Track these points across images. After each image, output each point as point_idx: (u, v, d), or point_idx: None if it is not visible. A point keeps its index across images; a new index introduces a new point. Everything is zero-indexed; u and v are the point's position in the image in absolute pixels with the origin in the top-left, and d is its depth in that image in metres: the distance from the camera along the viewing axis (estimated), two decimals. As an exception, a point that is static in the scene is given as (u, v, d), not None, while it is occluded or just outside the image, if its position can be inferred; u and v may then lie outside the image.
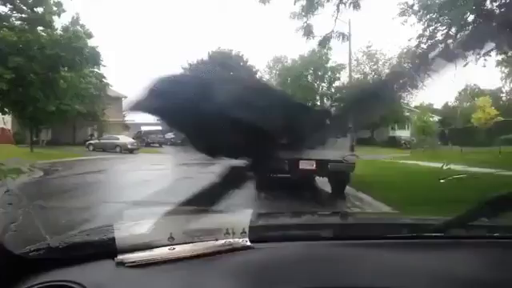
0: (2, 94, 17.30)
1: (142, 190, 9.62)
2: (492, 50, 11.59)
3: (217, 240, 0.99)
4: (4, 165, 11.78)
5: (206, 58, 39.31)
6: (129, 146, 29.17)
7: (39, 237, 1.10)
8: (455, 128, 29.45)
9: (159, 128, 42.47)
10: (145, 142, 35.68)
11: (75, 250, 0.97)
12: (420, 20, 11.55)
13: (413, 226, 1.24)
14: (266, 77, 49.57)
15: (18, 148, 24.32)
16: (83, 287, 0.83)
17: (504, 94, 52.23)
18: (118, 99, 40.63)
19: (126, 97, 42.90)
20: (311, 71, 41.17)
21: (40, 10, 17.59)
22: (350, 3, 9.17)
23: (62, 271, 0.89)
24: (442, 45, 11.76)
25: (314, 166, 8.27)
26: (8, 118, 27.22)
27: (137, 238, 0.97)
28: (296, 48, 76.46)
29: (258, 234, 1.04)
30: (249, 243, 1.00)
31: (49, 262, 0.92)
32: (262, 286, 0.88)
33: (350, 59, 27.58)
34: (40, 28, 18.10)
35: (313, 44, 10.23)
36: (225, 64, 37.88)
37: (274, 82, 47.78)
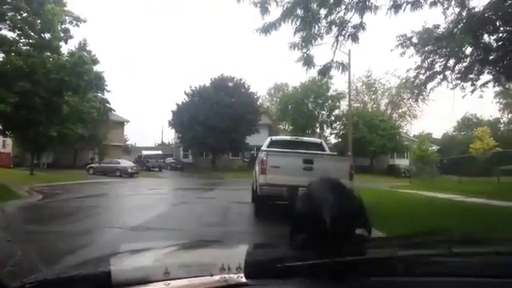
0: (5, 116, 17.40)
1: (140, 214, 9.57)
2: (489, 81, 11.81)
3: (212, 275, 0.98)
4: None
5: (208, 84, 39.75)
6: (129, 170, 29.15)
7: (35, 269, 1.11)
8: (454, 157, 29.45)
9: (159, 152, 42.66)
10: (145, 166, 35.65)
11: (70, 284, 0.97)
12: (418, 52, 11.76)
13: (409, 262, 1.22)
14: (267, 104, 50.01)
15: (17, 171, 24.30)
16: None
17: (502, 125, 52.54)
18: (120, 124, 40.94)
19: (128, 121, 43.28)
20: (312, 99, 41.53)
21: (48, 35, 17.92)
22: (349, 36, 9.34)
23: None
24: (441, 76, 11.95)
25: (312, 194, 8.22)
26: (9, 140, 27.26)
27: (132, 273, 0.97)
28: (297, 76, 77.58)
29: (253, 270, 1.02)
30: (244, 279, 0.98)
31: None
32: None
33: (349, 88, 27.84)
34: (47, 53, 18.39)
35: (313, 72, 10.34)
36: (227, 90, 38.31)
37: (274, 109, 48.16)
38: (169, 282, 0.96)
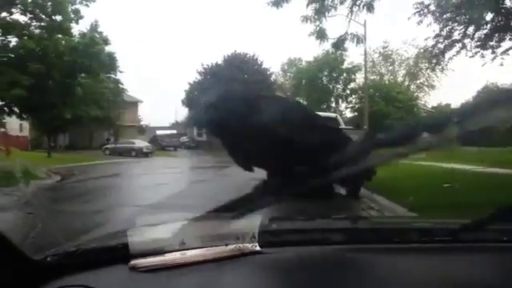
0: (21, 100, 17.72)
1: (156, 193, 9.73)
2: (510, 48, 11.42)
3: (227, 245, 1.00)
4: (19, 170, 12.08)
5: (220, 61, 39.52)
6: (144, 150, 29.52)
7: (55, 242, 1.13)
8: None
9: (174, 132, 43.00)
10: (160, 145, 36.01)
11: (90, 256, 1.00)
12: (436, 20, 11.41)
13: (427, 230, 1.23)
14: (281, 79, 49.57)
15: (35, 153, 24.84)
16: None
17: (524, 93, 51.12)
18: (133, 104, 41.25)
19: (141, 101, 43.58)
20: (326, 73, 40.95)
21: (58, 17, 17.97)
22: (364, 5, 9.09)
23: (78, 276, 0.92)
24: (460, 44, 11.60)
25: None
26: (26, 124, 27.79)
27: (149, 244, 0.99)
28: (310, 50, 76.15)
29: (267, 239, 1.05)
30: (258, 248, 1.01)
31: (64, 267, 0.94)
32: None
33: (365, 60, 27.29)
34: (58, 35, 18.49)
35: (327, 45, 10.15)
36: (240, 67, 38.06)
37: (288, 84, 47.72)
38: (185, 251, 0.98)
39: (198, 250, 0.99)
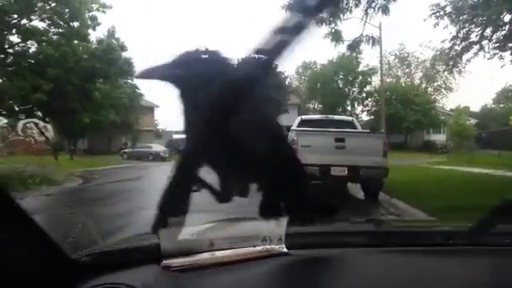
0: (42, 104, 18.13)
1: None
2: (530, 49, 11.16)
3: (255, 246, 1.03)
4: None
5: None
6: (161, 154, 29.78)
7: (91, 242, 1.18)
8: (493, 131, 28.30)
9: (190, 136, 43.28)
10: (176, 149, 36.23)
11: (125, 255, 1.05)
12: (453, 21, 11.26)
13: (447, 233, 1.24)
14: (296, 83, 49.43)
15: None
16: None
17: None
18: (150, 109, 41.71)
19: (158, 106, 44.03)
20: (341, 76, 40.70)
21: (76, 24, 18.34)
22: (379, 8, 9.04)
23: (114, 274, 0.96)
24: (477, 46, 11.42)
25: (345, 173, 8.17)
26: (49, 127, 28.32)
27: (180, 244, 1.03)
28: (325, 53, 75.84)
29: (294, 241, 1.07)
30: (285, 249, 1.04)
31: (100, 266, 0.99)
32: None
33: (381, 63, 26.98)
34: (76, 41, 18.87)
35: (342, 48, 10.12)
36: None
37: (303, 88, 47.55)
38: (214, 252, 1.02)
39: (227, 250, 1.02)
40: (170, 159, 29.71)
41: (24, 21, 17.67)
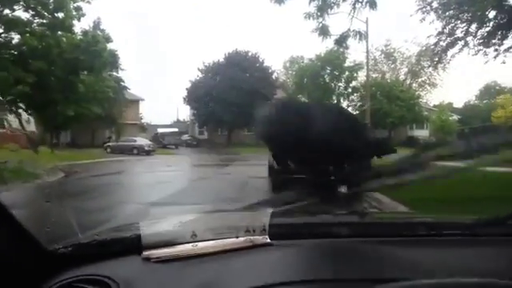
0: (26, 97, 17.77)
1: (158, 190, 9.75)
2: (513, 46, 11.35)
3: (238, 237, 1.02)
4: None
5: (222, 59, 39.46)
6: (145, 148, 29.50)
7: (69, 234, 1.15)
8: (475, 127, 28.89)
9: (175, 130, 42.97)
10: (161, 143, 35.99)
11: (104, 247, 1.02)
12: (439, 17, 11.37)
13: (426, 224, 1.26)
14: (283, 77, 49.48)
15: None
16: (113, 281, 0.87)
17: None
18: (135, 102, 41.19)
19: (143, 99, 43.54)
20: (328, 71, 40.85)
21: (60, 15, 17.97)
22: (366, 2, 9.07)
23: (92, 266, 0.94)
24: (462, 42, 11.56)
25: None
26: (31, 120, 27.80)
27: (161, 235, 1.01)
28: (312, 47, 76.05)
29: (277, 232, 1.06)
30: (269, 240, 1.03)
31: (79, 258, 0.96)
32: (282, 282, 0.91)
33: (367, 58, 27.13)
34: (60, 32, 18.51)
35: (329, 43, 10.13)
36: (241, 64, 37.98)
37: (290, 82, 47.65)
38: (196, 243, 1.00)
39: (210, 241, 1.01)
40: (153, 153, 29.51)
41: (6, 11, 17.24)
